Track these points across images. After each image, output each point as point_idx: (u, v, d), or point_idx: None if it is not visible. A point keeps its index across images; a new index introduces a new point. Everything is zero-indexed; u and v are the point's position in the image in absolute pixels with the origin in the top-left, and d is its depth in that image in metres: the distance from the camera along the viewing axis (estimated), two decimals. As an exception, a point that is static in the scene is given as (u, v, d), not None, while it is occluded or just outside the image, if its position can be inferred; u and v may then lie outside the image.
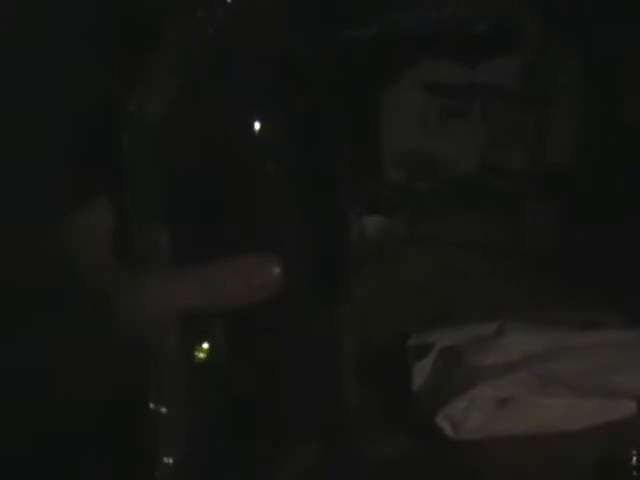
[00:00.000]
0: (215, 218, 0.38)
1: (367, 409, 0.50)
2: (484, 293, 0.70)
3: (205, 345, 0.38)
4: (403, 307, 0.69)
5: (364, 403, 0.46)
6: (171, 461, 0.39)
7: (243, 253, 0.37)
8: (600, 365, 0.55)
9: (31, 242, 0.39)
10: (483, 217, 0.79)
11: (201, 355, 0.38)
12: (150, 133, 0.39)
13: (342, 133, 0.41)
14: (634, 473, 0.50)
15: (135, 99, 0.39)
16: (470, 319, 0.61)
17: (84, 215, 0.39)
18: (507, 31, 0.78)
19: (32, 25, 0.46)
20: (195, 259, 0.38)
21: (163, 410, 0.39)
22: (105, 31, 0.47)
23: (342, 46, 0.78)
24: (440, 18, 0.79)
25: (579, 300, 0.65)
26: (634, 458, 0.50)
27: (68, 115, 0.46)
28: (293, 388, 0.40)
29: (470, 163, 0.80)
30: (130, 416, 0.39)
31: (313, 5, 0.72)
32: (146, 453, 0.39)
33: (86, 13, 0.47)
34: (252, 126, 0.38)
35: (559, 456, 0.53)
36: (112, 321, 0.35)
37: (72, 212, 0.39)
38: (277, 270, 0.36)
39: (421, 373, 0.56)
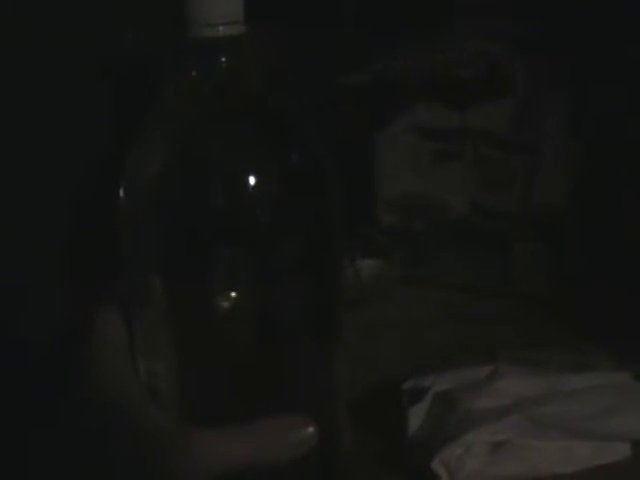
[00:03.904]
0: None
1: (362, 453, 0.50)
2: (478, 335, 0.71)
3: None
4: (398, 349, 0.70)
5: (359, 447, 0.46)
6: None
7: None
8: (593, 408, 0.56)
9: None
10: (475, 259, 0.80)
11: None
12: (146, 190, 0.40)
13: (334, 180, 0.42)
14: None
15: (132, 156, 0.40)
16: (465, 361, 0.61)
17: (99, 331, 0.40)
18: (497, 76, 0.79)
19: (27, 84, 0.47)
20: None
21: None
22: (102, 89, 0.48)
23: (336, 92, 0.79)
24: (432, 63, 0.80)
25: (570, 342, 0.66)
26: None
27: (65, 174, 0.47)
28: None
29: (462, 206, 0.81)
30: None
31: (306, 54, 0.74)
32: None
33: (82, 72, 0.47)
34: (246, 180, 0.39)
35: (554, 500, 0.53)
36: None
37: (86, 331, 0.40)
38: (312, 428, 0.38)
39: (416, 418, 0.57)
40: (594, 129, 0.79)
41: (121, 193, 0.40)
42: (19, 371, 0.45)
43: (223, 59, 0.40)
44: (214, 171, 0.39)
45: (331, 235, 0.42)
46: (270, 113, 0.41)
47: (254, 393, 0.40)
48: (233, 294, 0.39)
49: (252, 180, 0.38)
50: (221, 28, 0.39)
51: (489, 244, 0.80)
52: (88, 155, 0.48)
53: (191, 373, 0.39)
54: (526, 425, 0.54)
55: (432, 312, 0.76)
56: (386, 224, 0.83)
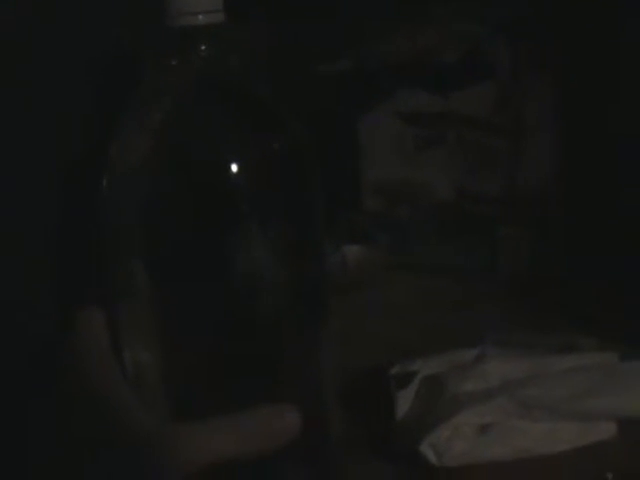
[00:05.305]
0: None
1: (351, 437, 0.50)
2: (464, 319, 0.71)
3: None
4: (385, 334, 0.70)
5: (348, 431, 0.47)
6: None
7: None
8: (579, 389, 0.56)
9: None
10: (460, 243, 0.80)
11: None
12: (129, 178, 0.40)
13: (316, 167, 0.42)
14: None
15: (113, 147, 0.40)
16: (451, 345, 0.62)
17: (81, 332, 0.40)
18: (480, 60, 0.80)
19: (8, 77, 0.46)
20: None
21: None
22: (82, 79, 0.48)
23: (319, 78, 0.80)
24: (413, 49, 0.80)
25: (556, 324, 0.67)
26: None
27: (46, 167, 0.47)
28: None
29: (446, 190, 0.82)
30: None
31: (288, 41, 0.73)
32: None
33: (64, 62, 0.47)
34: (228, 168, 0.39)
35: (541, 480, 0.54)
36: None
37: (69, 332, 0.40)
38: (295, 416, 0.38)
39: (404, 401, 0.57)
40: (578, 112, 0.79)
41: (104, 184, 0.40)
42: (7, 372, 0.45)
43: (203, 47, 0.40)
44: (195, 159, 0.39)
45: (314, 221, 0.42)
46: (251, 101, 0.41)
47: (241, 380, 0.40)
48: (217, 282, 0.39)
49: (233, 167, 0.38)
50: (201, 16, 0.39)
51: (474, 228, 0.80)
52: (69, 147, 0.48)
53: (177, 362, 0.40)
54: (513, 407, 0.55)
55: (418, 296, 0.76)
56: (371, 210, 0.83)
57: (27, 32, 0.46)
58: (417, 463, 0.54)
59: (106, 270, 0.41)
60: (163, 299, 0.39)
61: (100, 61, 0.48)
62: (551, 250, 0.77)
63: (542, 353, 0.60)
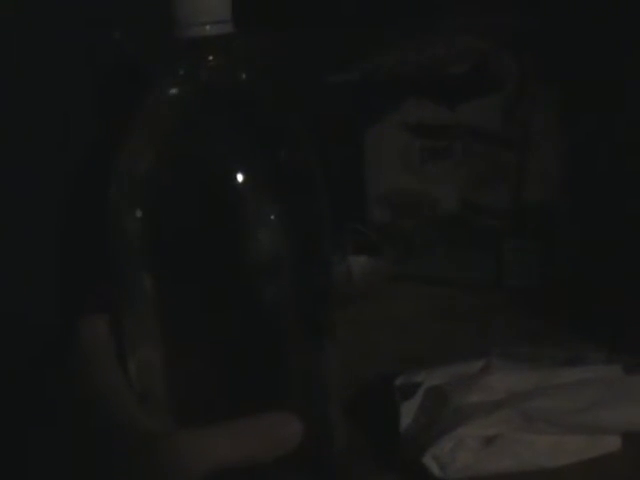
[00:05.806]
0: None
1: (355, 448, 0.51)
2: (469, 331, 0.71)
3: None
4: (390, 346, 0.70)
5: (352, 442, 0.47)
6: None
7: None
8: (584, 401, 0.56)
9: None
10: (465, 255, 0.80)
11: None
12: (136, 187, 0.40)
13: (322, 178, 0.42)
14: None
15: (121, 155, 0.40)
16: (456, 357, 0.62)
17: (85, 338, 0.40)
18: (487, 72, 0.80)
19: (15, 83, 0.47)
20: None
21: None
22: (90, 89, 0.48)
23: (326, 90, 0.80)
24: (420, 60, 0.80)
25: (561, 337, 0.67)
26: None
27: (55, 173, 0.47)
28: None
29: (452, 202, 0.82)
30: None
31: (295, 52, 0.74)
32: None
33: (69, 72, 0.47)
34: (234, 177, 0.39)
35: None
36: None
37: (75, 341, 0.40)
38: (297, 425, 0.38)
39: (408, 412, 0.57)
40: (585, 124, 0.79)
41: (111, 190, 0.41)
42: (13, 374, 0.45)
43: (211, 58, 0.40)
44: (202, 169, 0.39)
45: (321, 230, 0.42)
46: (258, 111, 0.41)
47: (246, 391, 0.40)
48: (223, 292, 0.39)
49: (240, 178, 0.39)
50: (209, 27, 0.39)
51: (479, 240, 0.80)
52: (71, 149, 0.48)
53: (182, 370, 0.40)
54: (517, 419, 0.55)
55: (423, 308, 0.76)
56: (377, 221, 0.83)
57: (27, 32, 0.46)
58: (421, 475, 0.54)
59: (112, 276, 0.41)
60: (168, 305, 0.40)
61: (100, 61, 0.48)
62: (557, 262, 0.77)
63: (548, 366, 0.59)
